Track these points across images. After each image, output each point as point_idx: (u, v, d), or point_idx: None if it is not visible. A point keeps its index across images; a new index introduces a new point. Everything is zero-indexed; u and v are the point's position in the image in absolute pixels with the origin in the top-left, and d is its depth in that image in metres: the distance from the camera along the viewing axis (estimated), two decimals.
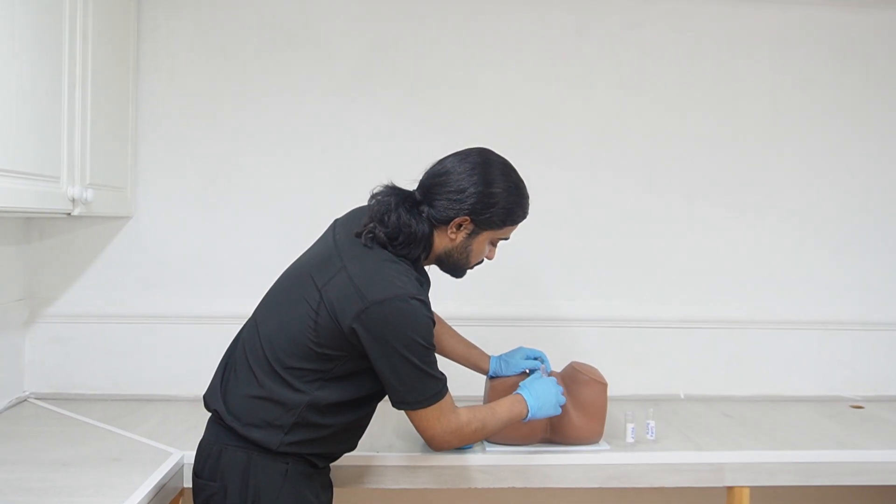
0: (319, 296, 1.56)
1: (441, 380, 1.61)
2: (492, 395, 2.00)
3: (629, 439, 2.08)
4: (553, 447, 2.01)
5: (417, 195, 1.65)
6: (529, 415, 1.77)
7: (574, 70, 2.64)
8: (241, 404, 1.62)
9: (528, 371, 2.03)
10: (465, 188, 1.61)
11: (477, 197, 1.61)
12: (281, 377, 1.59)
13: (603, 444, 2.04)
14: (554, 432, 2.00)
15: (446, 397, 1.62)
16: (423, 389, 1.58)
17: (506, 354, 2.06)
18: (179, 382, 2.50)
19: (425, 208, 1.63)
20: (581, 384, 2.00)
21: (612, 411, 2.16)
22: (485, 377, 2.08)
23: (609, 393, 2.02)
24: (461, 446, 1.79)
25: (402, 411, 1.62)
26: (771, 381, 2.69)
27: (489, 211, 1.62)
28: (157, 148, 2.53)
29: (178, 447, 1.97)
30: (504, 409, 1.75)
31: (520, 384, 1.85)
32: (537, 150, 2.62)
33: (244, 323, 1.74)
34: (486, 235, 1.67)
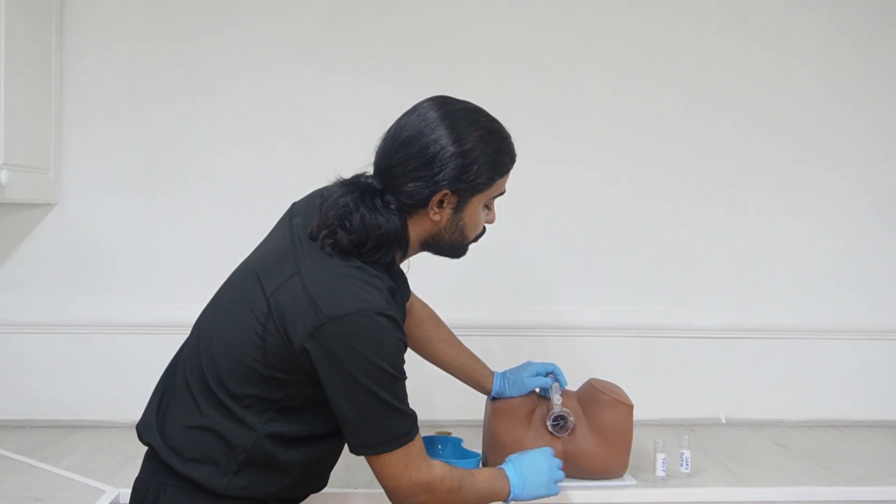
0: (267, 305, 1.52)
1: (411, 417, 1.57)
2: (493, 420, 2.01)
3: (660, 472, 2.08)
4: (568, 482, 1.97)
5: (377, 184, 1.58)
6: (511, 496, 1.72)
7: (592, 24, 2.65)
8: (180, 437, 1.60)
9: (537, 391, 2.04)
10: (432, 157, 1.53)
11: (450, 163, 1.53)
12: (225, 406, 1.57)
13: (628, 479, 2.04)
14: (569, 464, 1.96)
15: (416, 440, 1.57)
16: (389, 429, 1.53)
17: (511, 371, 2.07)
18: (114, 406, 2.50)
19: (391, 198, 1.56)
20: (601, 406, 2.01)
21: (639, 438, 2.17)
22: (486, 398, 2.09)
23: (635, 416, 2.02)
24: None
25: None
26: (831, 402, 2.71)
27: (470, 173, 1.55)
28: (87, 123, 2.54)
29: (112, 483, 1.96)
30: (483, 479, 1.71)
31: (507, 457, 1.80)
32: (547, 123, 2.63)
33: (186, 338, 1.73)
34: (476, 201, 1.62)
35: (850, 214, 2.74)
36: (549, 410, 2.00)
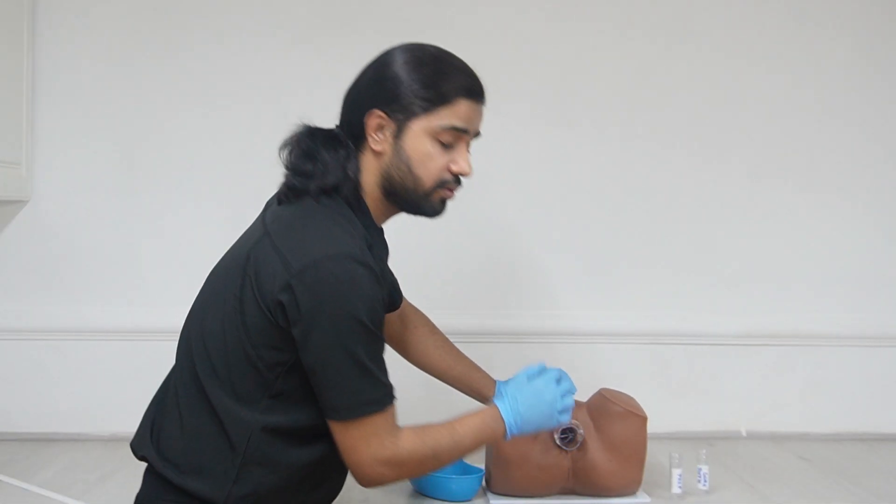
0: (242, 276, 1.55)
1: (385, 386, 1.55)
2: None
3: (676, 489, 2.06)
4: (578, 500, 2.00)
5: (336, 130, 1.68)
6: (508, 433, 1.70)
7: (603, 10, 2.65)
8: (175, 446, 1.61)
9: None
10: (360, 80, 1.66)
11: (375, 81, 1.63)
12: (218, 402, 1.57)
13: (642, 496, 2.03)
14: (578, 479, 1.99)
15: (387, 413, 1.55)
16: (357, 392, 1.52)
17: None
18: (90, 417, 2.49)
19: (346, 140, 1.65)
20: (613, 417, 2.00)
21: (654, 452, 2.15)
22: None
23: (649, 429, 2.02)
24: (402, 480, 1.71)
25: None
26: (859, 413, 2.69)
27: (398, 90, 1.60)
28: (62, 115, 2.53)
29: (88, 501, 1.95)
30: (469, 429, 1.66)
31: (499, 387, 1.79)
32: (553, 113, 2.63)
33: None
34: (416, 127, 1.61)
35: (878, 213, 2.73)
36: None
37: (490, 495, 2.00)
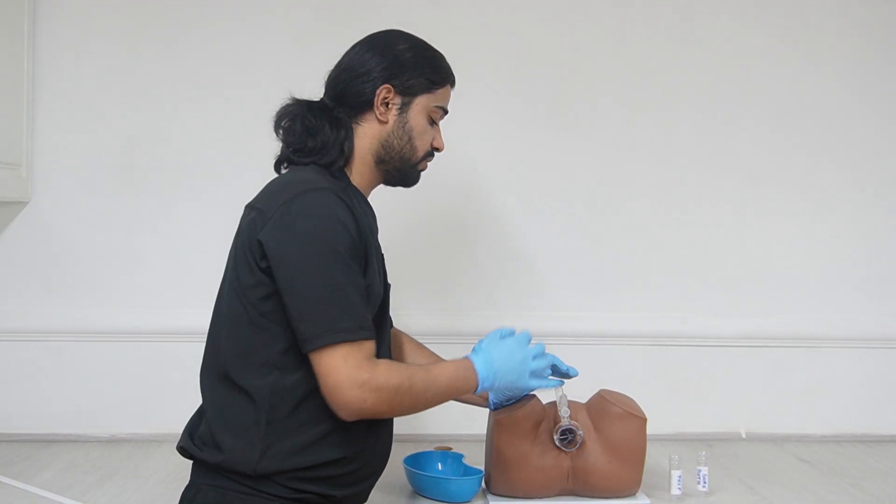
0: (235, 249, 1.67)
1: (361, 318, 1.58)
2: (496, 434, 1.98)
3: (675, 491, 2.06)
4: (577, 501, 2.00)
5: (326, 101, 1.80)
6: (480, 385, 1.73)
7: (603, 13, 2.65)
8: (204, 423, 1.67)
9: (538, 397, 2.01)
10: (367, 61, 1.77)
11: (385, 61, 1.76)
12: (236, 368, 1.63)
13: (641, 497, 2.03)
14: (577, 481, 1.98)
15: (363, 345, 1.56)
16: (332, 319, 1.54)
17: None
18: (90, 419, 2.50)
19: (339, 110, 1.78)
20: (612, 419, 2.00)
21: (653, 454, 2.15)
22: (487, 412, 2.06)
23: (649, 430, 2.01)
24: (382, 414, 1.65)
25: None
26: (859, 415, 2.70)
27: (407, 71, 1.77)
28: (62, 115, 2.53)
29: (88, 502, 1.95)
30: (444, 371, 1.71)
31: (479, 342, 1.81)
32: (552, 114, 2.63)
33: None
34: (419, 103, 1.80)
35: (878, 215, 2.73)
36: (556, 423, 1.98)
37: (489, 496, 1.99)
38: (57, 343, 2.52)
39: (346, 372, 1.54)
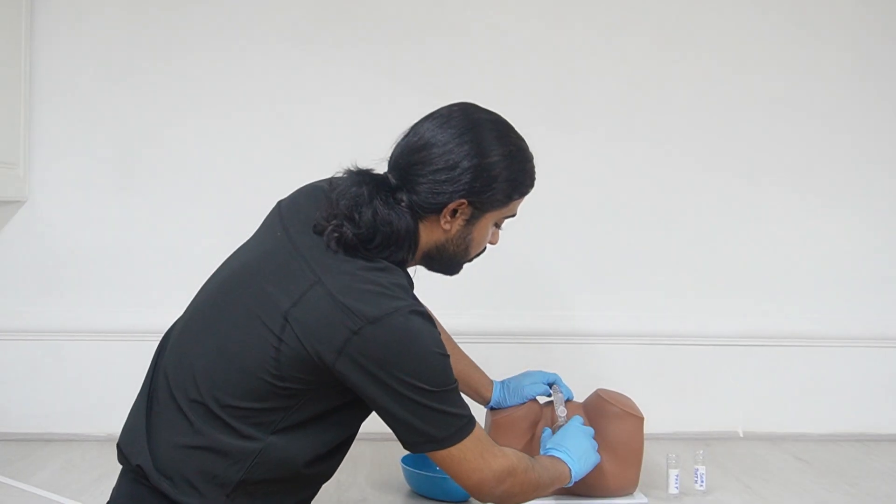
0: (284, 320, 1.48)
1: (467, 406, 1.56)
2: (494, 433, 2.00)
3: (672, 489, 2.08)
4: (574, 500, 2.00)
5: (392, 179, 1.59)
6: (573, 478, 1.79)
7: (603, 9, 2.66)
8: (172, 456, 1.54)
9: (540, 400, 2.04)
10: (455, 163, 1.55)
11: (473, 172, 1.55)
12: (222, 420, 1.52)
13: (639, 496, 2.04)
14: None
15: (478, 426, 1.57)
16: (452, 420, 1.52)
17: (511, 380, 2.07)
18: (87, 418, 2.51)
19: (404, 196, 1.57)
20: (610, 418, 2.00)
21: (650, 453, 2.17)
22: (485, 409, 2.09)
23: (646, 430, 2.02)
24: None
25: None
26: (857, 414, 2.70)
27: (490, 188, 1.57)
28: (59, 114, 2.53)
29: (85, 501, 1.96)
30: (546, 463, 1.75)
31: (547, 445, 1.84)
32: (552, 114, 2.63)
33: (160, 343, 1.68)
34: (489, 218, 1.64)
35: (877, 214, 2.74)
36: (552, 423, 1.99)
37: None
38: (53, 342, 2.52)
39: (488, 468, 1.56)
